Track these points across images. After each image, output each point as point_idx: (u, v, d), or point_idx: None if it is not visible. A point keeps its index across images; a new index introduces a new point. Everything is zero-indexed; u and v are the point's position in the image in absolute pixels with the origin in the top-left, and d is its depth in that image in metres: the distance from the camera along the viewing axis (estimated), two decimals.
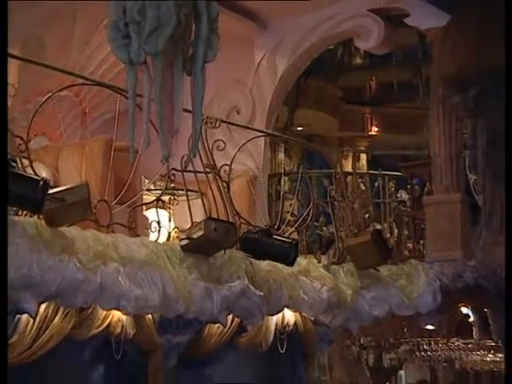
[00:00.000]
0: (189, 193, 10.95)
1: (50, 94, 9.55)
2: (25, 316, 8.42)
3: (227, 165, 10.74)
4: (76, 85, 9.70)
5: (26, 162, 8.53)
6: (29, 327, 8.64)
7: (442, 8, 11.91)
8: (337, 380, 14.20)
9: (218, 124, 10.56)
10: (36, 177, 8.30)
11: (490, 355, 15.08)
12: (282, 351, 11.72)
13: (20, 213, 8.02)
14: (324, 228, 13.12)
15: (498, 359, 13.95)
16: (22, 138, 8.67)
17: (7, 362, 2.28)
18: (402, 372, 16.30)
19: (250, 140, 12.03)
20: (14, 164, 8.26)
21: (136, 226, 10.30)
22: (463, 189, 13.10)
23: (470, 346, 15.52)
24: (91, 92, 9.79)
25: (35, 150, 9.18)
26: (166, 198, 11.28)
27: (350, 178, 14.49)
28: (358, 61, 15.12)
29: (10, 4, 10.34)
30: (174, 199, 11.45)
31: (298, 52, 12.91)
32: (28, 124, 8.79)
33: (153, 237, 10.37)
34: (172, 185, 10.90)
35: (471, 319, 15.47)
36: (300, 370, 12.84)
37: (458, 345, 15.50)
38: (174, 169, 9.82)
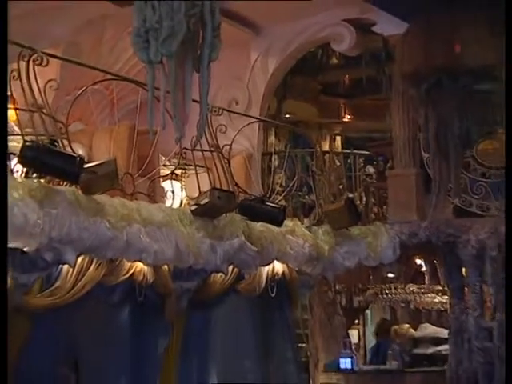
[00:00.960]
0: (197, 168, 10.98)
1: (84, 88, 9.53)
2: (66, 266, 8.53)
3: (228, 145, 10.76)
4: (106, 80, 9.67)
5: (65, 142, 8.50)
6: (69, 275, 8.71)
7: (401, 18, 11.85)
8: (316, 318, 14.26)
9: (220, 112, 10.60)
10: (74, 154, 8.33)
11: (438, 297, 15.23)
12: (272, 295, 11.73)
13: (61, 183, 8.00)
14: (306, 196, 13.08)
15: (444, 300, 14.07)
16: (62, 123, 8.62)
17: (7, 362, 1.81)
18: (368, 311, 16.43)
19: (246, 125, 12.01)
20: (56, 144, 8.24)
21: (155, 195, 10.34)
22: (418, 164, 13.09)
23: (422, 290, 15.68)
24: (118, 86, 9.72)
25: (73, 132, 9.14)
26: (178, 171, 11.29)
27: (327, 155, 14.51)
28: (334, 61, 15.10)
29: (54, 14, 10.35)
30: (185, 173, 11.43)
31: (285, 54, 12.89)
32: (67, 112, 8.76)
33: (168, 203, 10.59)
34: (183, 161, 10.92)
35: (423, 268, 15.51)
36: (286, 310, 12.86)
37: (413, 289, 15.66)
38: (185, 148, 9.82)
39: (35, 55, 8.21)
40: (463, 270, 12.57)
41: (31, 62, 8.16)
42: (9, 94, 8.80)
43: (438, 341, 14.13)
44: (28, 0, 7.66)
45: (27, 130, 8.68)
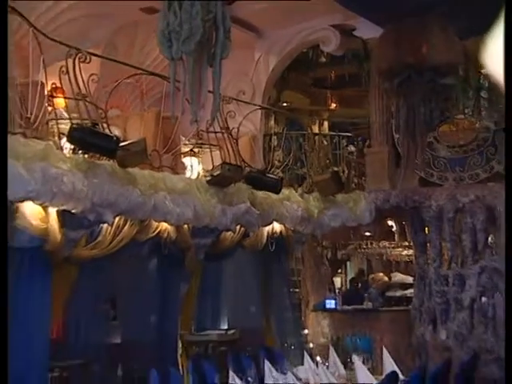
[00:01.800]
0: (211, 146, 11.05)
1: (120, 81, 9.57)
2: (105, 225, 8.63)
3: (236, 128, 10.79)
4: (137, 74, 9.71)
5: (105, 125, 8.56)
6: (108, 232, 8.81)
7: (377, 24, 11.84)
8: (307, 268, 14.31)
9: (230, 101, 10.63)
10: (111, 135, 8.41)
11: (405, 251, 15.22)
12: (271, 249, 11.79)
13: (101, 158, 8.08)
14: (299, 170, 13.09)
15: (410, 253, 14.09)
16: (102, 109, 8.69)
17: (7, 362, 1.79)
18: (348, 262, 16.42)
19: (251, 111, 12.04)
20: (97, 126, 8.31)
21: (177, 168, 10.40)
22: (390, 144, 13.08)
23: (392, 245, 15.64)
24: (147, 79, 9.75)
25: (111, 117, 9.19)
26: (196, 149, 11.33)
27: (317, 137, 14.54)
28: (323, 59, 15.00)
29: (96, 20, 10.42)
30: (202, 150, 11.47)
31: (282, 54, 12.84)
32: (106, 100, 8.82)
33: (188, 175, 10.65)
34: (200, 141, 10.97)
35: (394, 228, 15.51)
36: (283, 261, 12.92)
37: (385, 245, 15.62)
38: (201, 130, 9.90)
39: (80, 54, 8.28)
40: (426, 229, 12.61)
41: (77, 60, 8.24)
42: (58, 85, 8.88)
43: (405, 286, 14.18)
44: (31, 0, 7.38)
45: (74, 115, 8.73)
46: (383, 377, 7.71)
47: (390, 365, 8.34)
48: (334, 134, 14.92)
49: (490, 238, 12.03)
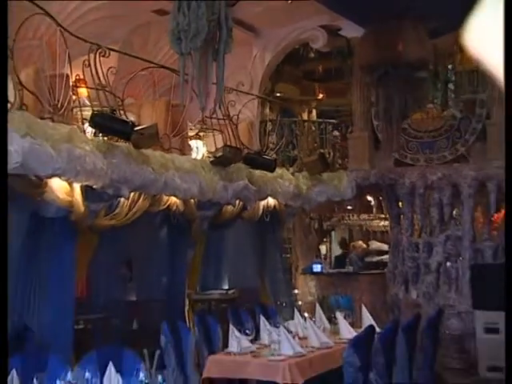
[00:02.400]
0: (214, 131, 11.07)
1: (135, 73, 9.59)
2: (122, 199, 8.62)
3: (236, 115, 10.85)
4: (149, 67, 9.73)
5: (121, 112, 8.58)
6: (124, 205, 8.81)
7: (359, 25, 11.84)
8: (297, 237, 14.34)
9: (231, 91, 10.65)
10: (127, 120, 8.46)
11: (381, 222, 15.30)
12: (266, 220, 11.84)
13: (118, 140, 8.11)
14: (291, 151, 13.09)
15: (386, 224, 14.11)
16: (119, 98, 8.72)
17: (7, 361, 1.73)
18: (333, 232, 16.40)
19: (249, 100, 12.07)
20: (115, 113, 8.34)
21: (184, 149, 10.43)
22: (370, 129, 13.06)
23: (371, 217, 15.74)
24: (158, 72, 9.73)
25: (127, 105, 9.22)
26: (201, 133, 11.35)
27: (306, 123, 14.60)
28: (311, 55, 14.91)
29: (114, 20, 10.45)
30: (206, 134, 11.48)
31: (277, 50, 12.82)
32: (123, 90, 8.84)
33: (194, 155, 10.64)
34: (204, 126, 11.00)
35: (372, 203, 15.56)
36: (276, 231, 12.94)
37: (365, 217, 15.71)
38: (206, 116, 9.89)
39: (100, 49, 8.31)
40: (400, 203, 12.66)
41: (98, 55, 8.27)
42: (81, 77, 8.89)
43: (381, 252, 14.20)
44: (29, 0, 7.24)
45: (95, 102, 8.77)
46: (362, 329, 7.76)
47: (367, 319, 8.41)
48: (321, 120, 14.92)
49: (454, 211, 12.13)
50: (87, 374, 5.03)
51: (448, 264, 12.00)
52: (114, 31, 9.76)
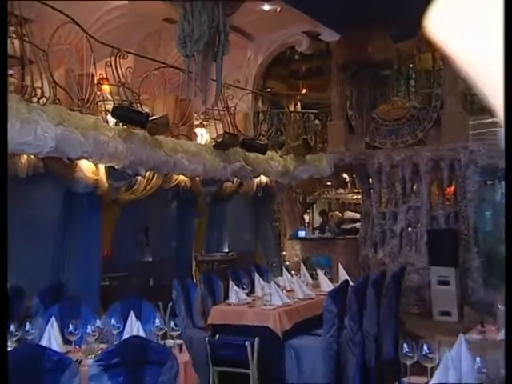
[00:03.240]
0: (215, 120, 11.06)
1: (148, 72, 9.56)
2: (140, 177, 8.65)
3: (233, 106, 10.83)
4: (161, 67, 9.71)
5: (138, 105, 8.58)
6: (141, 182, 8.85)
7: (336, 31, 11.82)
8: (285, 208, 14.33)
9: (229, 87, 10.64)
10: (143, 111, 8.44)
11: (354, 196, 15.33)
12: (259, 195, 11.88)
13: (136, 128, 8.13)
14: (280, 137, 13.08)
15: (359, 197, 14.14)
16: (136, 93, 8.70)
17: (7, 361, 2.10)
18: (314, 204, 16.39)
19: (244, 94, 12.09)
20: (133, 106, 8.34)
21: (191, 136, 10.44)
22: (345, 118, 13.07)
23: (346, 191, 15.70)
24: (168, 71, 9.70)
25: (142, 99, 9.21)
26: (204, 122, 11.38)
27: (292, 113, 14.57)
28: (296, 57, 14.82)
29: (131, 28, 10.47)
30: (208, 123, 11.49)
31: (267, 52, 12.80)
32: (139, 87, 8.83)
33: (199, 141, 10.62)
34: (207, 116, 11.01)
35: (347, 179, 15.56)
36: (268, 204, 12.99)
37: (341, 192, 15.67)
38: (208, 108, 9.90)
39: (120, 52, 8.30)
40: (370, 179, 12.70)
41: (117, 57, 8.26)
42: (104, 76, 8.87)
43: (354, 221, 14.24)
44: (27, 0, 7.02)
45: (116, 97, 8.76)
46: (338, 283, 7.80)
47: (343, 275, 8.45)
48: (304, 111, 14.91)
49: (414, 186, 12.18)
50: (113, 321, 5.08)
51: (409, 229, 12.09)
52: (130, 37, 9.76)
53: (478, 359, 3.52)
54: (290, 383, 6.95)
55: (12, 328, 4.71)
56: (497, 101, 0.65)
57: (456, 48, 0.63)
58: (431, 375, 3.36)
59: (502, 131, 0.73)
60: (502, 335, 4.74)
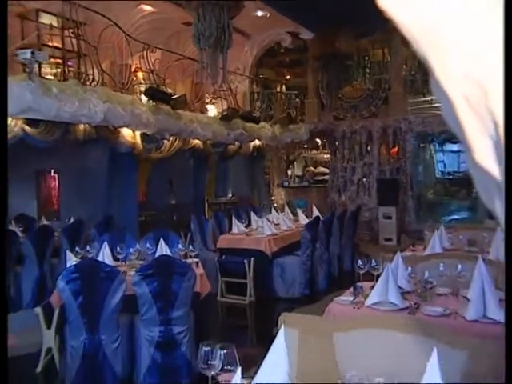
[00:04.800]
0: (221, 98, 10.99)
1: (171, 63, 9.47)
2: (165, 141, 8.56)
3: (235, 88, 10.74)
4: (180, 58, 9.58)
5: (164, 87, 8.53)
6: (167, 144, 8.71)
7: (311, 31, 11.66)
8: (273, 164, 14.10)
9: (231, 74, 10.52)
10: (167, 92, 8.40)
11: (325, 155, 14.88)
12: (254, 155, 11.87)
13: (162, 105, 8.09)
14: (270, 111, 12.97)
15: (328, 156, 13.80)
16: (163, 78, 8.62)
17: (7, 360, 1.85)
18: (295, 162, 16.11)
19: (243, 79, 12.04)
20: (160, 87, 8.28)
21: (203, 110, 10.36)
22: (319, 97, 12.95)
23: (318, 152, 15.35)
24: (186, 61, 9.56)
25: (167, 83, 9.12)
26: (213, 100, 11.24)
27: (279, 94, 14.40)
28: (282, 50, 14.52)
29: (163, 29, 10.36)
30: (216, 101, 11.38)
31: (260, 47, 12.61)
32: (164, 74, 8.75)
33: (209, 114, 10.53)
34: (215, 95, 10.91)
35: (319, 143, 15.39)
36: (261, 161, 12.97)
37: (314, 152, 15.27)
38: (215, 89, 9.85)
39: (150, 47, 8.23)
40: (336, 142, 12.68)
41: (148, 51, 8.19)
42: (139, 65, 8.79)
43: (324, 174, 14.03)
44: (27, 0, 6.77)
45: (147, 81, 8.72)
46: (312, 218, 7.86)
47: (316, 212, 8.47)
48: (288, 92, 14.72)
49: (368, 147, 12.16)
50: (148, 245, 5.16)
51: (364, 179, 12.13)
52: (158, 36, 9.61)
53: (409, 268, 3.65)
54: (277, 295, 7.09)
55: (77, 249, 4.84)
56: (436, 62, 0.54)
57: (400, 15, 0.55)
58: (376, 280, 3.46)
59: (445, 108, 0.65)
60: (426, 252, 4.89)
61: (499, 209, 0.52)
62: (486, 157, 0.50)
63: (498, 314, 2.86)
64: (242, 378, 1.74)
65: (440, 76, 0.52)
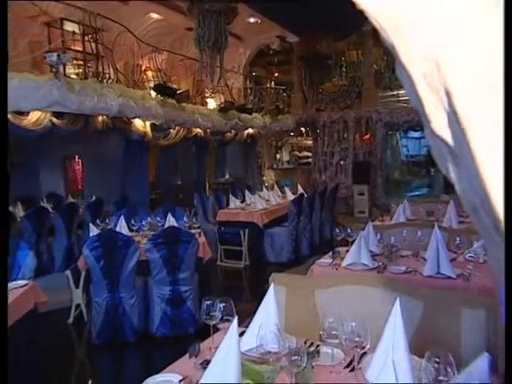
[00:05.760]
0: (219, 93, 10.84)
1: (175, 63, 9.35)
2: (172, 130, 8.44)
3: (231, 84, 10.60)
4: (184, 59, 9.46)
5: (170, 83, 8.40)
6: (173, 132, 8.55)
7: (296, 35, 11.52)
8: (264, 149, 14.00)
9: (228, 71, 10.34)
10: (173, 87, 8.24)
11: (308, 141, 14.74)
12: (248, 141, 11.77)
13: (169, 98, 8.01)
14: (261, 104, 12.75)
15: (311, 142, 13.68)
16: (169, 76, 8.51)
17: (7, 360, 1.39)
18: (283, 147, 15.98)
19: (238, 76, 11.87)
20: (166, 83, 8.16)
21: (204, 103, 10.22)
22: (302, 91, 12.86)
23: (303, 138, 15.14)
24: (189, 61, 9.42)
25: (172, 80, 9.00)
26: (212, 94, 11.07)
27: (269, 89, 14.24)
28: (271, 52, 14.24)
29: (164, 34, 10.19)
30: (215, 95, 11.20)
31: (252, 49, 12.39)
32: (169, 72, 8.64)
33: (209, 106, 10.35)
34: (214, 90, 10.74)
35: (303, 131, 15.35)
36: (254, 146, 12.81)
37: (299, 139, 15.13)
38: (214, 85, 9.68)
39: (158, 50, 8.11)
40: (318, 131, 12.59)
41: (156, 53, 8.06)
42: (148, 65, 8.64)
43: (307, 157, 13.95)
44: (26, 0, 6.54)
45: (155, 79, 8.59)
46: (297, 195, 7.84)
47: (300, 190, 8.45)
48: (276, 87, 14.49)
49: (345, 135, 12.10)
50: (158, 218, 5.17)
51: (341, 162, 12.12)
52: (164, 40, 9.41)
53: (378, 235, 3.69)
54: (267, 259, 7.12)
55: (98, 222, 4.84)
56: (400, 47, 0.52)
57: (370, 7, 0.53)
58: (351, 245, 3.48)
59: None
60: (392, 221, 4.92)
61: (451, 171, 0.53)
62: (441, 126, 0.50)
63: (449, 270, 2.93)
64: (239, 326, 1.76)
65: (403, 59, 0.51)
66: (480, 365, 1.40)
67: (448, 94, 0.47)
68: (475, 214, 0.52)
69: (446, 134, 0.50)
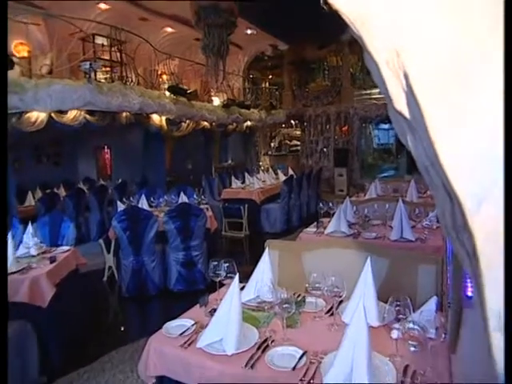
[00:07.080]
0: (222, 92, 10.65)
1: (186, 67, 9.18)
2: (183, 123, 8.24)
3: (232, 84, 10.43)
4: (193, 64, 9.29)
5: (181, 85, 8.27)
6: (185, 126, 8.36)
7: (285, 43, 11.31)
8: (261, 137, 13.68)
9: (229, 74, 10.21)
10: (184, 88, 8.10)
11: (297, 132, 14.55)
12: (247, 132, 11.61)
13: (181, 97, 7.86)
14: (257, 101, 12.55)
15: (299, 133, 13.51)
16: (180, 79, 8.38)
17: (7, 359, 1.21)
18: (276, 137, 15.65)
19: (238, 78, 11.68)
20: (179, 85, 8.03)
21: (209, 101, 10.05)
22: (292, 88, 12.72)
23: (293, 129, 15.00)
24: (197, 66, 9.23)
25: (184, 82, 8.86)
26: (217, 93, 10.87)
27: (263, 88, 14.01)
28: (266, 58, 13.96)
29: (176, 43, 9.98)
30: (218, 93, 11.00)
31: (250, 55, 12.21)
32: (182, 75, 8.50)
33: (214, 103, 10.16)
34: (219, 90, 10.53)
35: (293, 123, 15.13)
36: (252, 136, 12.63)
37: (290, 130, 14.74)
38: (218, 86, 9.51)
39: (171, 57, 7.96)
40: (305, 123, 12.47)
41: (170, 59, 7.92)
42: (163, 70, 8.47)
43: (297, 145, 13.82)
44: (24, 0, 6.29)
45: (170, 81, 8.45)
46: (288, 176, 7.82)
47: (291, 172, 8.42)
48: (270, 87, 14.26)
49: (327, 126, 12.02)
50: (172, 196, 5.18)
51: (324, 149, 12.04)
52: (177, 48, 9.21)
53: (354, 208, 3.70)
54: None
55: (124, 200, 4.85)
56: (366, 39, 0.51)
57: (342, 6, 0.52)
58: (332, 216, 3.50)
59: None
60: (366, 197, 4.94)
61: (409, 140, 0.53)
62: (400, 103, 0.50)
63: (410, 235, 3.02)
64: (239, 282, 1.78)
65: (370, 49, 0.51)
66: (430, 305, 1.49)
67: (406, 77, 0.47)
68: (427, 173, 0.53)
69: (404, 110, 0.50)
